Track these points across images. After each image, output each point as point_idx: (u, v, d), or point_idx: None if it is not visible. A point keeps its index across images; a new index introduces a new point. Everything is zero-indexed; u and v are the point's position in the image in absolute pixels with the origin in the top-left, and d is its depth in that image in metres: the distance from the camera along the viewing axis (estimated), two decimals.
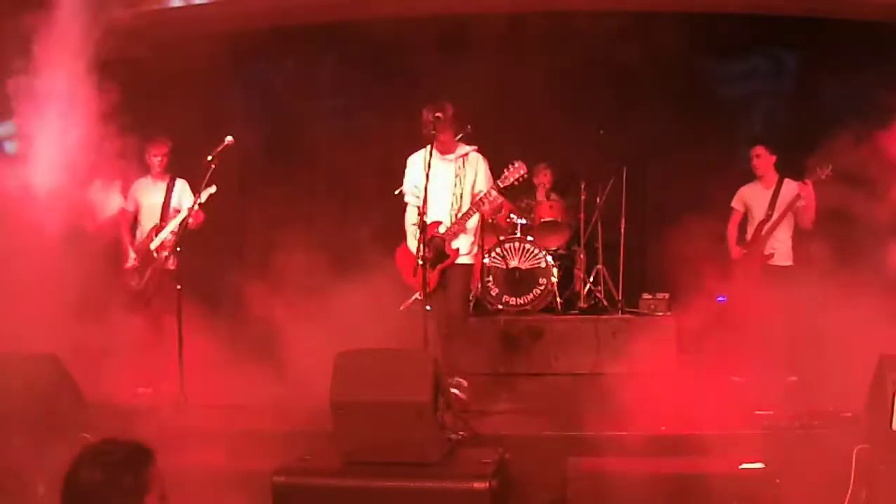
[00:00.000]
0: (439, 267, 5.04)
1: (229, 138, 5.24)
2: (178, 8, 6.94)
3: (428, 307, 5.03)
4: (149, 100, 6.16)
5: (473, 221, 5.16)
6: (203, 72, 7.89)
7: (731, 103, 7.99)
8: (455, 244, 5.07)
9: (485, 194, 5.05)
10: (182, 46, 6.59)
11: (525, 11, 7.44)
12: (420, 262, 4.89)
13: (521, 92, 8.08)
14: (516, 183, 5.12)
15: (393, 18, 7.57)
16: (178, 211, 5.86)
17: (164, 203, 5.89)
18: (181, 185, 5.96)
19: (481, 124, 5.19)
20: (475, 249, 5.28)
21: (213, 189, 5.53)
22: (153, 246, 5.82)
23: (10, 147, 6.24)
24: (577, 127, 7.71)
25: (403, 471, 3.32)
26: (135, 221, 5.99)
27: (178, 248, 5.34)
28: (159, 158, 5.88)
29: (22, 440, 3.75)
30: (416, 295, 5.70)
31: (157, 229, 5.85)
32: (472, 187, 5.14)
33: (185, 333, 5.02)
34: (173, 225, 5.78)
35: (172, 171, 5.97)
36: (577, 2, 7.24)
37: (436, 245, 5.02)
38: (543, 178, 7.47)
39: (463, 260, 5.15)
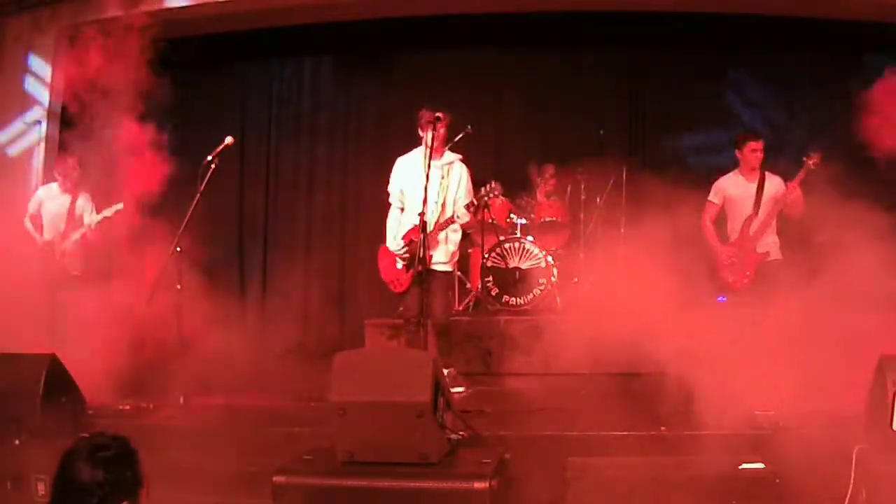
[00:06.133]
0: (412, 272, 5.12)
1: (229, 139, 5.22)
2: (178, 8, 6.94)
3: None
4: None
5: (457, 236, 5.28)
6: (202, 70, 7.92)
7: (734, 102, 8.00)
8: (431, 251, 5.11)
9: (455, 213, 5.12)
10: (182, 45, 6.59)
11: (528, 11, 7.44)
12: (405, 264, 4.95)
13: (522, 92, 8.10)
14: (487, 199, 5.24)
15: (394, 18, 7.58)
16: (79, 223, 6.02)
17: (68, 213, 6.03)
18: (84, 199, 6.09)
19: (481, 124, 5.19)
20: (456, 258, 5.41)
21: (119, 206, 5.75)
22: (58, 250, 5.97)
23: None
24: (577, 127, 7.73)
25: (403, 471, 3.32)
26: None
27: (179, 248, 5.32)
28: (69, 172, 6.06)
29: (22, 440, 3.76)
30: None
31: (63, 236, 5.99)
32: (455, 196, 5.20)
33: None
34: (77, 234, 5.96)
35: (81, 186, 6.11)
36: (577, 2, 7.24)
37: (412, 250, 5.10)
38: (544, 178, 7.46)
39: (442, 268, 5.25)
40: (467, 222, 5.31)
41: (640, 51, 7.88)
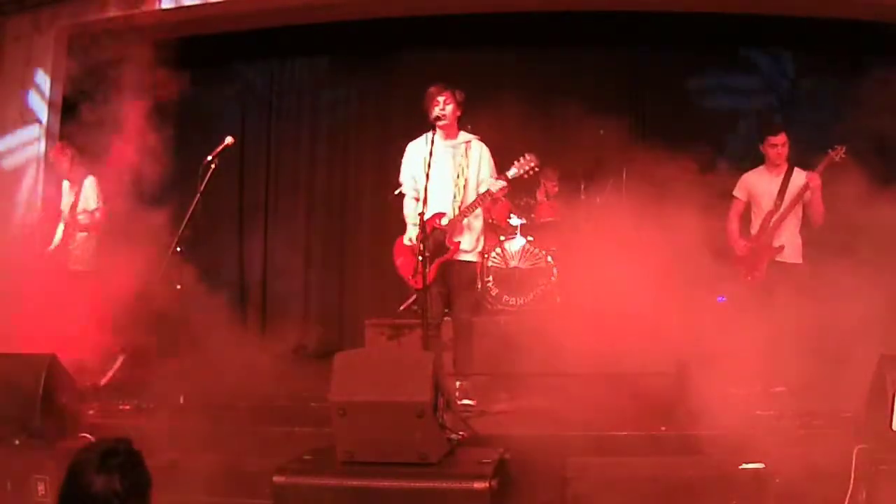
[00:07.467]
0: (438, 261, 4.79)
1: (229, 139, 5.22)
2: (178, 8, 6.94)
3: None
4: None
5: (479, 222, 4.97)
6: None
7: (735, 103, 8.00)
8: (457, 238, 4.85)
9: (490, 187, 4.81)
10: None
11: (528, 11, 7.44)
12: (429, 255, 4.65)
13: (522, 92, 8.08)
14: (526, 176, 4.89)
15: (394, 18, 7.59)
16: (84, 211, 5.88)
17: (71, 207, 5.93)
18: (86, 193, 5.95)
19: (481, 124, 5.18)
20: (480, 246, 5.05)
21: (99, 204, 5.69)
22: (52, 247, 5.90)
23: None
24: (577, 127, 7.72)
25: (403, 471, 3.33)
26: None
27: (179, 248, 5.31)
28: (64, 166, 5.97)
29: (22, 440, 3.76)
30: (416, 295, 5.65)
31: (62, 231, 5.93)
32: (477, 178, 4.91)
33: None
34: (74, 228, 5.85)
35: (83, 171, 5.98)
36: (577, 2, 7.24)
37: (436, 238, 4.78)
38: (545, 179, 7.46)
39: (467, 257, 4.94)
40: (503, 188, 4.84)
41: (640, 51, 7.88)
